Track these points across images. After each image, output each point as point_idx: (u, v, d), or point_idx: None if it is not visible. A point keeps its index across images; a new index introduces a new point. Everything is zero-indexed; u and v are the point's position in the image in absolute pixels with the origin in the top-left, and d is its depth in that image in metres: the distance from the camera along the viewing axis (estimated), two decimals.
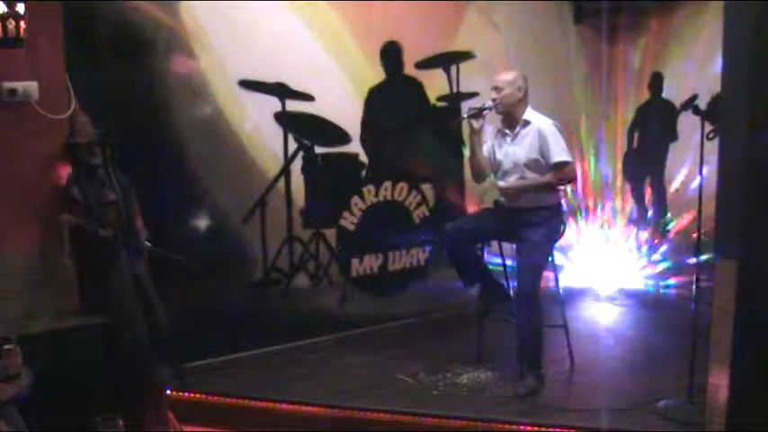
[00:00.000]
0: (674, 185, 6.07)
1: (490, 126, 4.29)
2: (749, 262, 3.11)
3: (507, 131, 4.17)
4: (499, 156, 4.20)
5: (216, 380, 4.29)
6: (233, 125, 4.69)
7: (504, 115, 4.16)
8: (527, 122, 4.10)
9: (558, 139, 4.06)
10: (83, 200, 3.72)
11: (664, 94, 6.11)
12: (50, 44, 3.70)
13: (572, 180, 4.46)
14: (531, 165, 4.09)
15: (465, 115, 4.15)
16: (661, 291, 5.98)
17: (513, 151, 4.14)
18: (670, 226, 6.07)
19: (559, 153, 4.03)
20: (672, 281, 5.91)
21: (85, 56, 4.00)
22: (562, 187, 4.34)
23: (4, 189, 3.62)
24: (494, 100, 4.10)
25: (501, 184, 4.16)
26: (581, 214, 6.30)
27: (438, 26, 5.48)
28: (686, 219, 5.73)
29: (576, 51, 6.17)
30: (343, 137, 5.14)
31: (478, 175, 4.30)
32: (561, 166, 4.05)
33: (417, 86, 5.45)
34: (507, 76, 4.12)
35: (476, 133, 4.16)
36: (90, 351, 3.65)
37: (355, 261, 5.27)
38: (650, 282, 6.10)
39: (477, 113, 4.12)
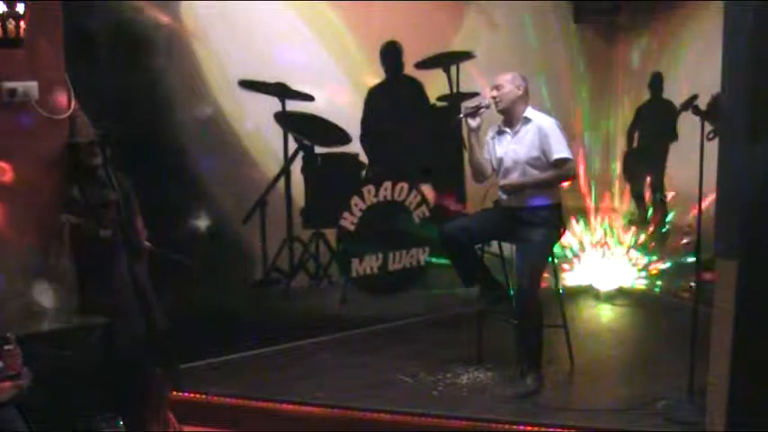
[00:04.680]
0: (673, 185, 6.06)
1: (491, 124, 4.30)
2: (749, 262, 3.11)
3: (507, 129, 4.18)
4: (500, 154, 4.20)
5: (216, 380, 4.29)
6: (233, 125, 4.70)
7: (504, 113, 4.17)
8: (528, 120, 4.11)
9: (559, 137, 4.07)
10: (83, 200, 3.71)
11: (664, 94, 6.10)
12: (50, 44, 3.70)
13: (573, 177, 4.46)
14: (533, 162, 4.09)
15: (461, 114, 4.16)
16: (661, 290, 5.97)
17: (513, 149, 4.14)
18: (669, 226, 6.07)
19: (560, 150, 4.04)
20: (671, 281, 5.91)
21: (85, 56, 4.01)
22: (564, 184, 4.36)
23: (4, 189, 3.62)
24: (493, 98, 4.12)
25: (502, 181, 4.16)
26: (581, 214, 6.30)
27: (438, 26, 5.48)
28: (686, 219, 5.72)
29: (576, 51, 6.17)
30: (343, 137, 5.14)
31: (478, 175, 4.30)
32: (562, 162, 4.06)
33: (417, 86, 5.45)
34: (506, 75, 4.15)
35: (474, 132, 4.17)
36: (90, 351, 3.64)
37: (355, 261, 5.27)
38: (650, 281, 6.10)
39: (474, 112, 4.13)
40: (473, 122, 4.14)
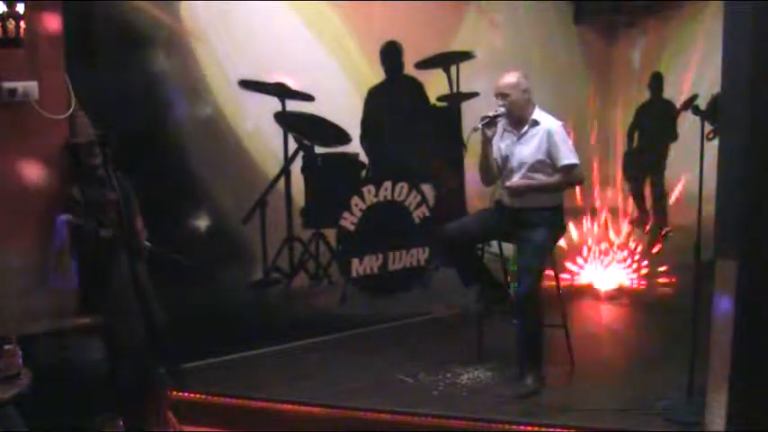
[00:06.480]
0: (673, 185, 6.07)
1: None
2: (749, 262, 3.11)
3: (514, 131, 4.17)
4: (505, 153, 4.19)
5: (216, 380, 4.29)
6: (233, 125, 4.70)
7: (511, 117, 4.16)
8: (536, 122, 4.10)
9: (567, 142, 4.07)
10: (83, 200, 3.72)
11: (664, 94, 6.11)
12: (50, 44, 3.70)
13: (581, 182, 4.46)
14: (537, 165, 4.09)
15: (479, 125, 4.10)
16: (661, 290, 5.97)
17: (519, 150, 4.13)
18: (669, 225, 6.07)
19: (568, 156, 4.04)
20: (672, 280, 5.91)
21: (85, 56, 4.00)
22: (570, 189, 4.35)
23: (4, 189, 3.62)
24: (504, 107, 4.09)
25: (507, 183, 4.15)
26: (581, 214, 6.30)
27: (438, 26, 5.48)
28: (686, 218, 5.72)
29: (576, 51, 6.17)
30: (343, 137, 5.14)
31: (488, 178, 4.29)
32: (570, 168, 4.06)
33: (417, 86, 5.45)
34: (510, 79, 4.10)
35: (488, 141, 4.15)
36: (90, 351, 3.65)
37: (355, 261, 5.27)
38: (650, 281, 6.10)
39: (491, 122, 4.11)
40: (489, 132, 4.13)
